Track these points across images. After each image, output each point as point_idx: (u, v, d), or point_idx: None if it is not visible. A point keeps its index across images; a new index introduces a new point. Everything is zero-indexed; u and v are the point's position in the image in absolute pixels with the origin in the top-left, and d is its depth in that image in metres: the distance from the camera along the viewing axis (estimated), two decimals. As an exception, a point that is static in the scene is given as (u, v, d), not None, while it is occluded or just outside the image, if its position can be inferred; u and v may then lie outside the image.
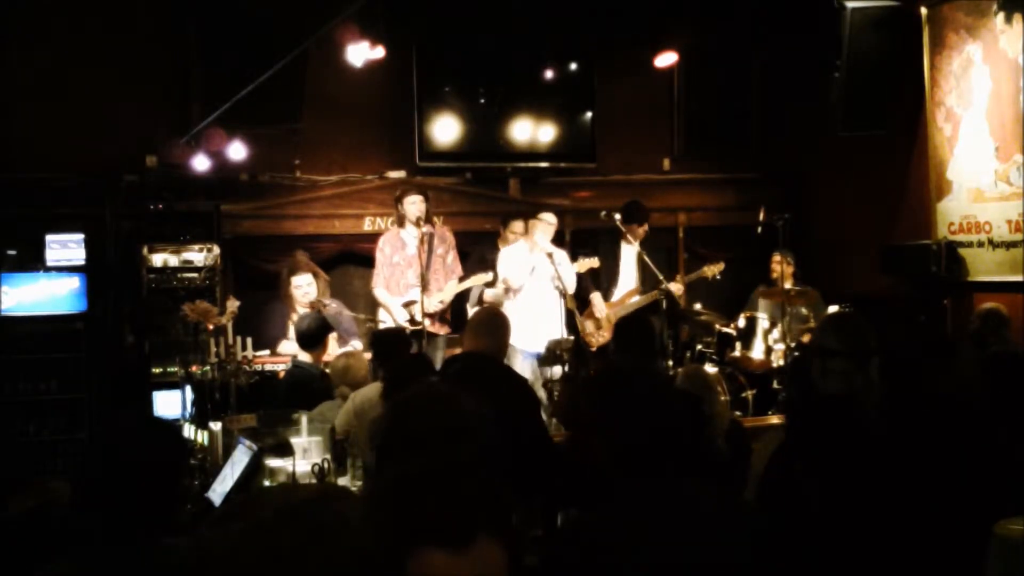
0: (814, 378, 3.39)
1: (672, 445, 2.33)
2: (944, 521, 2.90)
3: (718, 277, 7.82)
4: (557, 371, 6.85)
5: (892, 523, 2.85)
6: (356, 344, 7.12)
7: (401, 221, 7.54)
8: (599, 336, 7.63)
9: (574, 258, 7.84)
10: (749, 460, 3.99)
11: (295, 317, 7.18)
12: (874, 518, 2.85)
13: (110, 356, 7.67)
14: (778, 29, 8.84)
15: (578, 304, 7.65)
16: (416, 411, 2.36)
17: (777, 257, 7.89)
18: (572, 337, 7.30)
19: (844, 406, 3.21)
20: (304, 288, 7.39)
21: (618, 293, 7.91)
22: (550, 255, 7.15)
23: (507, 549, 1.56)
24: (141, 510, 2.18)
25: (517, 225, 7.68)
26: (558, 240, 7.83)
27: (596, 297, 7.78)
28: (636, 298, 7.76)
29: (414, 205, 7.35)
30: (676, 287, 7.46)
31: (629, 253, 7.81)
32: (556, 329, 7.07)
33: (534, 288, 7.38)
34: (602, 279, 7.85)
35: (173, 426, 2.80)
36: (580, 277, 7.69)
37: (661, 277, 7.37)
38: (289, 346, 7.12)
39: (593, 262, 7.66)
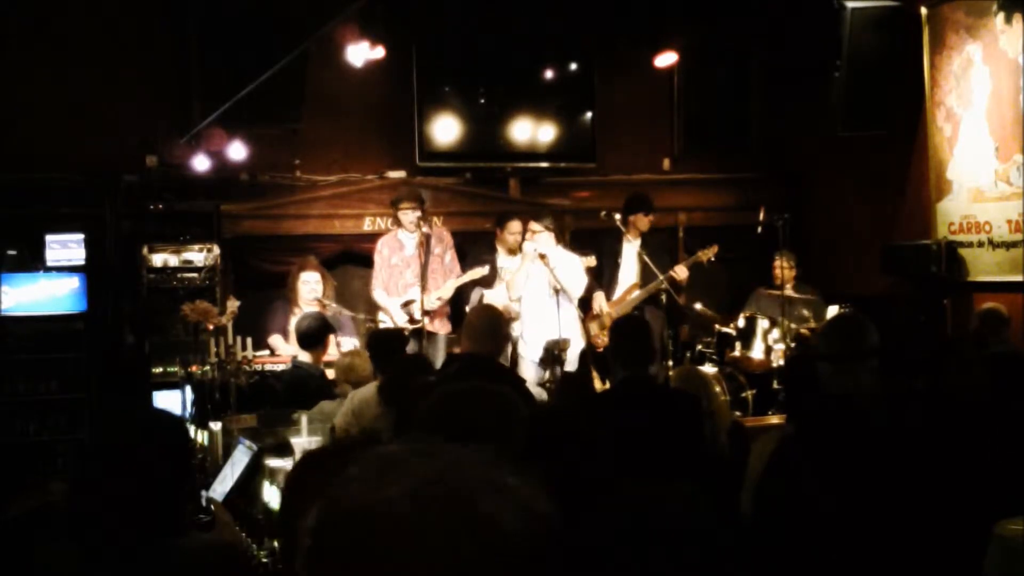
0: (815, 379, 3.39)
1: (660, 449, 2.32)
2: (945, 521, 2.90)
3: (712, 260, 7.77)
4: (558, 372, 6.83)
5: (893, 523, 2.85)
6: (351, 343, 7.12)
7: (398, 222, 7.55)
8: (603, 337, 7.57)
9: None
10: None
11: (297, 312, 7.19)
12: (875, 518, 2.85)
13: (110, 356, 7.67)
14: (778, 29, 8.84)
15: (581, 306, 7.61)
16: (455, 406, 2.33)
17: (778, 261, 7.84)
18: (569, 338, 7.26)
19: (845, 406, 3.21)
20: (312, 285, 7.41)
21: (619, 291, 7.87)
22: (542, 256, 7.00)
23: None
24: (146, 509, 2.13)
25: (514, 225, 7.56)
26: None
27: (599, 297, 7.74)
28: (637, 292, 7.72)
29: (406, 215, 7.36)
30: (680, 270, 7.44)
31: (630, 251, 7.78)
32: (556, 333, 7.03)
33: (531, 294, 7.34)
34: (603, 278, 7.82)
35: (177, 419, 2.76)
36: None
37: (661, 276, 7.36)
38: (287, 347, 7.10)
39: (590, 260, 7.61)
